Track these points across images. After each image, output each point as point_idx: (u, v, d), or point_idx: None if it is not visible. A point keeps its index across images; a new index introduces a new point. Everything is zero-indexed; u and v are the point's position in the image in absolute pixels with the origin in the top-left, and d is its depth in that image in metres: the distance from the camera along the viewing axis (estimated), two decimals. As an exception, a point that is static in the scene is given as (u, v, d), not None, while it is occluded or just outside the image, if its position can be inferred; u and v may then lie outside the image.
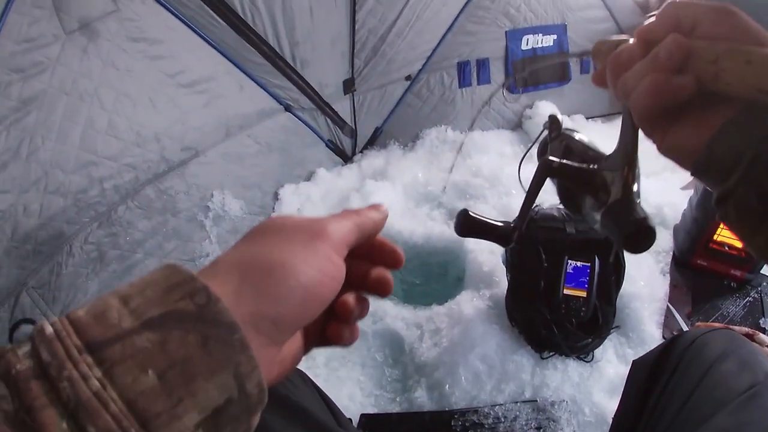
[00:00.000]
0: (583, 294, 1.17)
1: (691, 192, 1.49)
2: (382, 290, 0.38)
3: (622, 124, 0.40)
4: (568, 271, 1.17)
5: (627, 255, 1.23)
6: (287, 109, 1.84)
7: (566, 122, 0.62)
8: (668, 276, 1.46)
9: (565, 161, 0.43)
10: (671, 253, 1.54)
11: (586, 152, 0.46)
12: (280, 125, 1.84)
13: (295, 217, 0.35)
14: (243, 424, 0.27)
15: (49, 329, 0.25)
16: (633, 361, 0.75)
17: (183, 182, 1.44)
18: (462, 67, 2.23)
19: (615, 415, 0.75)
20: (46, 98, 1.04)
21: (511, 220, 0.53)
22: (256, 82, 1.69)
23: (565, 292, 1.17)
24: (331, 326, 0.37)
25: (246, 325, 0.28)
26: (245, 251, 0.32)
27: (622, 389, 0.75)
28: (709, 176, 0.33)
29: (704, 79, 0.31)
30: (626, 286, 1.26)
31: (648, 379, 0.67)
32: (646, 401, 0.65)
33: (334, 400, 0.72)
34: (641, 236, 0.35)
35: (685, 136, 0.34)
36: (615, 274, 1.21)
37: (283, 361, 0.34)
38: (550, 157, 0.42)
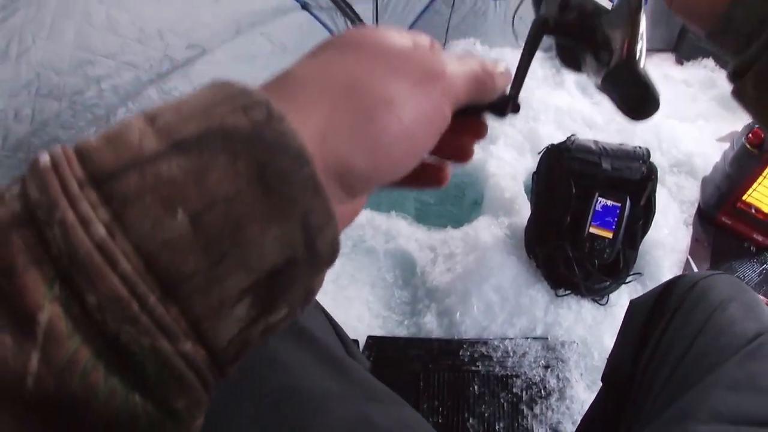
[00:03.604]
0: (609, 235, 1.11)
1: (726, 145, 1.39)
2: (461, 156, 0.32)
3: None
4: (596, 209, 1.11)
5: (657, 200, 1.16)
6: (304, 7, 1.68)
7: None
8: (691, 228, 1.40)
9: (561, 19, 0.39)
10: (696, 204, 1.47)
11: (585, 5, 0.42)
12: (296, 24, 1.68)
13: (397, 35, 0.26)
14: (302, 290, 0.21)
15: (44, 159, 0.17)
16: (631, 301, 0.71)
17: (188, 83, 1.33)
18: (497, -25, 2.03)
19: (610, 357, 0.71)
20: (35, -8, 0.93)
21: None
22: (270, -25, 1.52)
23: (591, 230, 1.12)
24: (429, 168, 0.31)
25: (328, 175, 0.21)
26: (337, 69, 0.23)
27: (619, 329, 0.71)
28: (725, 42, 0.31)
29: None
30: (650, 233, 1.20)
31: (646, 321, 0.63)
32: (644, 344, 0.61)
33: (342, 321, 0.66)
34: (644, 105, 0.33)
35: None
36: (644, 218, 1.15)
37: (352, 213, 0.28)
38: (545, 15, 0.38)
